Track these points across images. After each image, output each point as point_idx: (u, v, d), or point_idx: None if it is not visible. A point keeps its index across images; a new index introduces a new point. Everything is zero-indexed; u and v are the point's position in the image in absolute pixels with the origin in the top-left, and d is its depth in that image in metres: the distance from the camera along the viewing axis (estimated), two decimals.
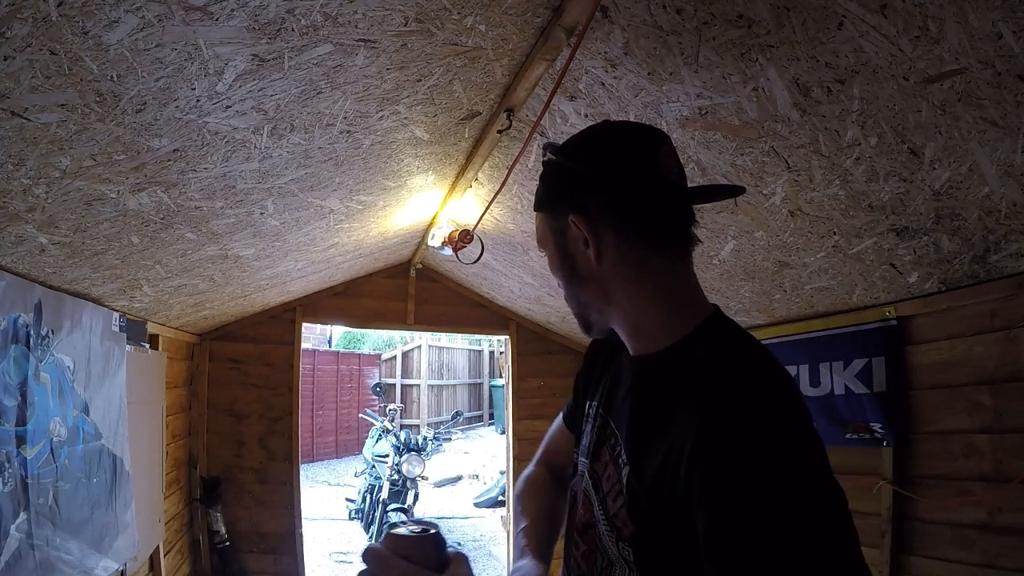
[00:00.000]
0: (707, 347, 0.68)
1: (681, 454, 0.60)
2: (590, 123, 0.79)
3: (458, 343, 12.79)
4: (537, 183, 0.81)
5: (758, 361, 0.66)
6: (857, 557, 0.54)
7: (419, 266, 3.70)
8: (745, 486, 0.55)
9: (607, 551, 0.71)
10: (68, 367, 1.76)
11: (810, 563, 0.51)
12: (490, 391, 13.04)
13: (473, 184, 2.28)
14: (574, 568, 0.79)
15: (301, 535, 3.38)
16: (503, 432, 4.26)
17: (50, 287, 1.67)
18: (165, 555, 2.61)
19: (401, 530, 0.57)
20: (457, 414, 7.09)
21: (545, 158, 0.78)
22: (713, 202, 0.83)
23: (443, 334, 11.59)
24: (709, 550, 0.56)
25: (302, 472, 3.56)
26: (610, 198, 0.71)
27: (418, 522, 0.58)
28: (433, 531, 0.57)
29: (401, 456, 4.82)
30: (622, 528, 0.68)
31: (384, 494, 4.61)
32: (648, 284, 0.71)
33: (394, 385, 11.38)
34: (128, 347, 2.17)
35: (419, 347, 11.73)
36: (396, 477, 4.75)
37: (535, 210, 0.81)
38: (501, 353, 11.03)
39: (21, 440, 1.51)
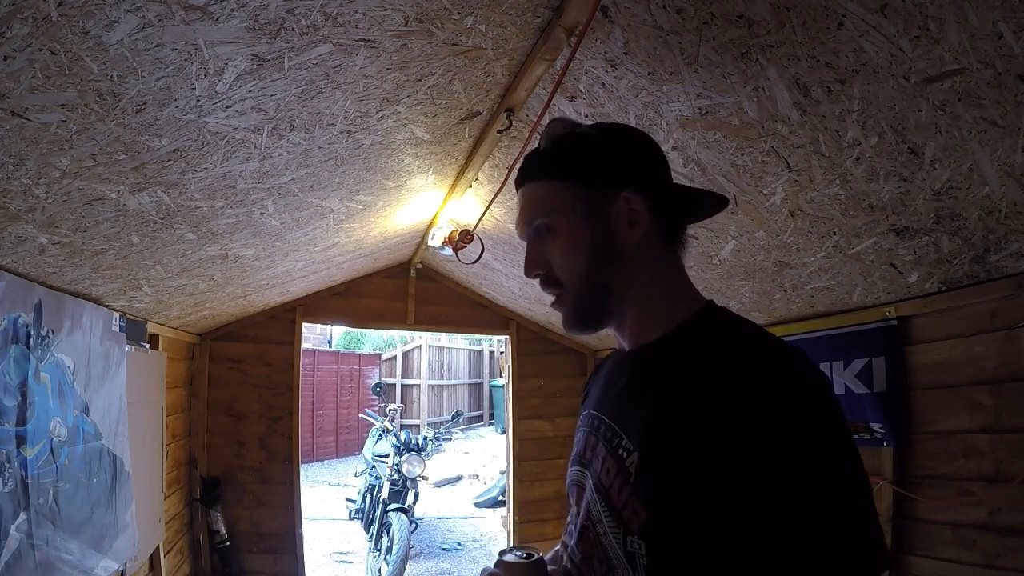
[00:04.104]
0: (711, 327, 0.70)
1: (703, 423, 0.60)
2: (590, 123, 0.80)
3: (458, 343, 12.79)
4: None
5: (764, 335, 0.67)
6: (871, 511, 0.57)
7: (419, 266, 3.70)
8: (783, 444, 0.56)
9: (607, 554, 0.67)
10: (68, 367, 1.76)
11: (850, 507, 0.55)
12: (490, 391, 13.04)
13: (473, 184, 2.28)
14: None
15: (301, 535, 3.38)
16: (503, 432, 4.26)
17: (50, 287, 1.67)
18: (165, 555, 2.61)
19: (510, 556, 0.72)
20: (457, 414, 7.08)
21: (580, 130, 0.76)
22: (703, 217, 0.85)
23: (443, 334, 11.59)
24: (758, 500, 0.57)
25: (302, 472, 3.56)
26: (663, 184, 0.76)
27: (523, 547, 0.73)
28: (537, 556, 0.72)
29: (401, 456, 4.82)
30: (631, 520, 0.64)
31: (384, 494, 4.60)
32: (664, 273, 0.75)
33: (394, 385, 11.38)
34: (128, 347, 2.17)
35: (419, 347, 11.73)
36: (396, 477, 4.75)
37: (552, 178, 0.76)
38: (501, 353, 11.03)
39: (21, 440, 1.50)
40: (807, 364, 0.62)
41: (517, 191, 0.81)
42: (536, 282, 0.80)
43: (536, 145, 0.81)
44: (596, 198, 0.73)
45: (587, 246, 0.74)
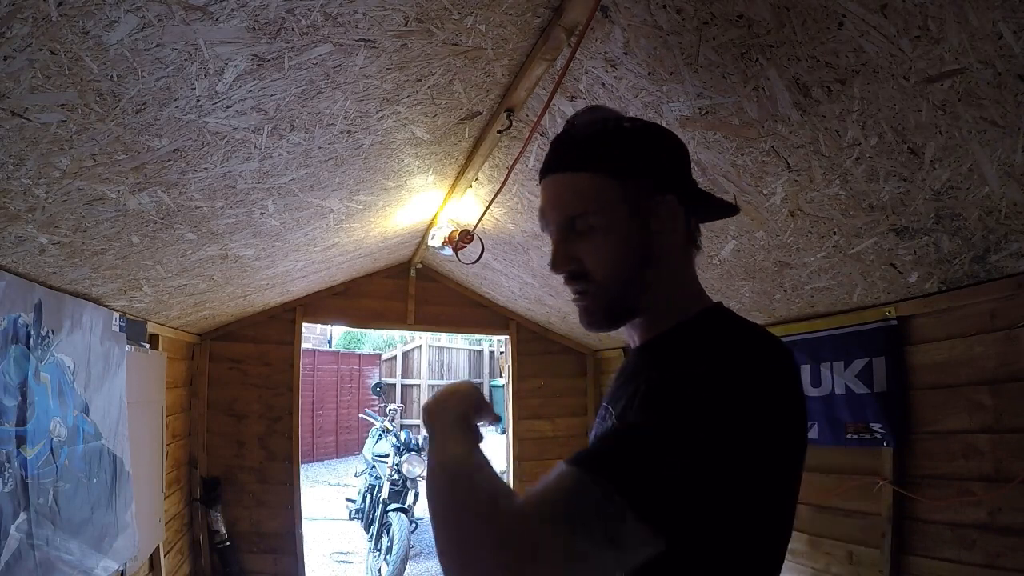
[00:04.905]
0: (708, 325, 0.73)
1: (650, 396, 0.63)
2: (627, 117, 0.78)
3: (458, 343, 12.78)
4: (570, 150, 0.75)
5: (751, 334, 0.68)
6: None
7: (419, 266, 3.70)
8: (667, 396, 0.59)
9: None
10: (68, 367, 1.76)
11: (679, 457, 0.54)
12: (490, 391, 13.03)
13: (473, 184, 2.28)
14: None
15: (301, 535, 3.38)
16: (503, 432, 4.25)
17: (50, 287, 1.67)
18: (165, 555, 2.61)
19: None
20: None
21: (627, 124, 0.74)
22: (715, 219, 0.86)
23: (443, 334, 11.58)
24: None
25: (302, 472, 3.56)
26: (694, 190, 0.77)
27: None
28: None
29: (401, 456, 4.81)
30: None
31: (384, 494, 4.60)
32: (683, 275, 0.77)
33: (394, 385, 11.37)
34: (128, 347, 2.17)
35: (419, 347, 11.72)
36: (396, 477, 4.75)
37: (591, 170, 0.72)
38: (501, 353, 11.02)
39: (21, 440, 1.50)
40: (767, 365, 0.63)
41: (543, 179, 0.76)
42: (558, 277, 0.78)
43: (559, 134, 0.77)
44: (637, 198, 0.71)
45: (627, 246, 0.72)
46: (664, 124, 1.45)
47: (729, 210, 0.81)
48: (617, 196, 0.71)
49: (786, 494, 0.64)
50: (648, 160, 0.73)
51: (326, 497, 7.09)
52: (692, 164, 0.83)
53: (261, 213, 1.87)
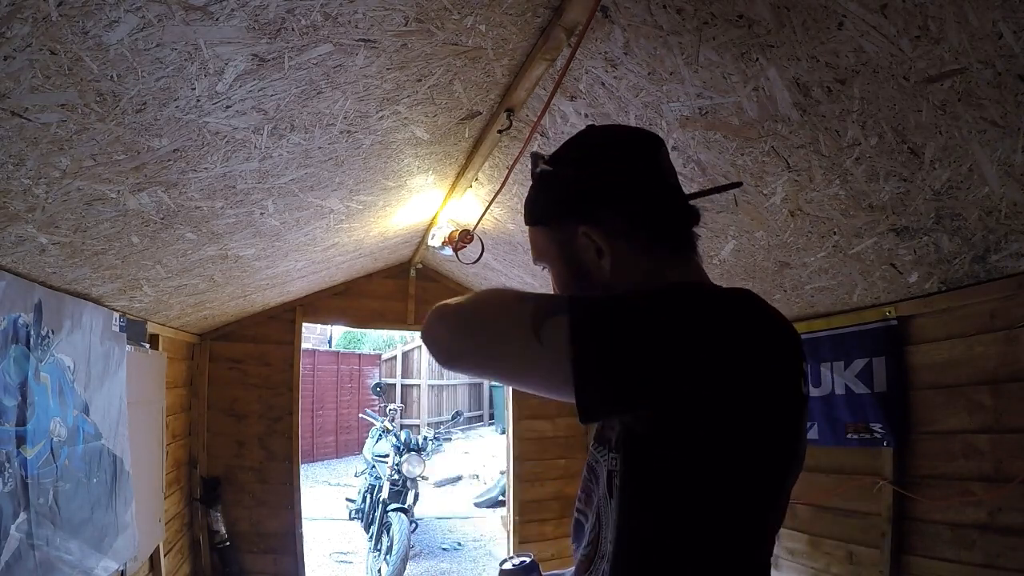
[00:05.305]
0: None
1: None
2: (591, 123, 0.81)
3: None
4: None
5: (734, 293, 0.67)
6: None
7: (419, 266, 3.70)
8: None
9: (598, 483, 0.71)
10: (68, 367, 1.76)
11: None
12: (490, 391, 13.03)
13: (473, 184, 2.28)
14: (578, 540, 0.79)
15: (301, 535, 3.38)
16: (503, 432, 4.25)
17: (50, 287, 1.67)
18: (165, 555, 2.61)
19: (507, 565, 0.88)
20: (457, 414, 7.07)
21: (538, 170, 0.78)
22: (712, 195, 0.85)
23: None
24: None
25: (302, 472, 3.56)
26: (621, 207, 0.73)
27: (519, 554, 0.89)
28: (530, 560, 0.88)
29: (401, 456, 4.81)
30: (611, 436, 0.69)
31: (384, 494, 4.60)
32: (640, 274, 0.74)
33: (394, 385, 11.37)
34: (128, 347, 2.17)
35: (419, 347, 11.72)
36: (396, 477, 4.74)
37: (530, 224, 0.81)
38: None
39: (21, 440, 1.50)
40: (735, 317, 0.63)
41: None
42: (537, 284, 0.82)
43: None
44: (564, 238, 0.77)
45: (568, 280, 0.79)
46: (664, 124, 1.46)
47: (723, 189, 0.83)
48: (549, 239, 0.79)
49: (755, 448, 0.61)
50: (558, 199, 0.77)
51: (326, 497, 7.09)
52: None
53: (261, 213, 1.87)
